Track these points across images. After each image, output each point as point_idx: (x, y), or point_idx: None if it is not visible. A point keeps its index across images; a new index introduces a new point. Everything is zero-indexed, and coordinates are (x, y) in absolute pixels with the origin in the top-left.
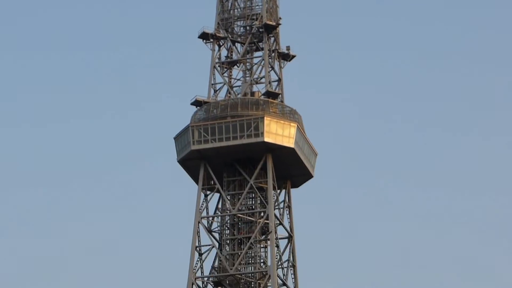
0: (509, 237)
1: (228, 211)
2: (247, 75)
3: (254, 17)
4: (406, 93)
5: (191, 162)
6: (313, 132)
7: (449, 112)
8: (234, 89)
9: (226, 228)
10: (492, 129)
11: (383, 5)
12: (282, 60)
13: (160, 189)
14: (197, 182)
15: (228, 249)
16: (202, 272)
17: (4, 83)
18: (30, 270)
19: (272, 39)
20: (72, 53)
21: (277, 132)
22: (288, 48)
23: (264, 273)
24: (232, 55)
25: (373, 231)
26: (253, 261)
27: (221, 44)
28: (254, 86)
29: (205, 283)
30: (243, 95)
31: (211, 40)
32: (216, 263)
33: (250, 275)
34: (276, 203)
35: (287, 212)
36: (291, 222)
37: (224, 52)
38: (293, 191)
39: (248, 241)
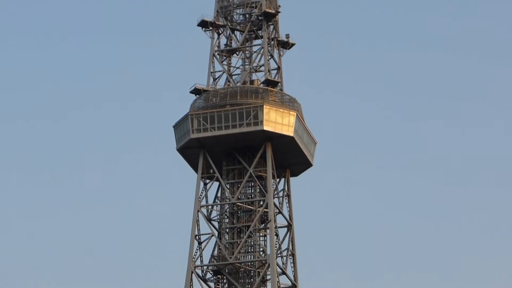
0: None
1: (228, 200)
2: (246, 63)
3: (254, 5)
4: (406, 82)
5: (190, 151)
6: (313, 120)
7: (449, 103)
8: (234, 77)
9: (226, 217)
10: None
11: None
12: (281, 48)
13: (159, 177)
14: (196, 170)
15: (227, 238)
16: (201, 261)
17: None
18: (32, 263)
19: (272, 27)
20: (70, 42)
21: (277, 121)
22: (287, 36)
23: (263, 261)
24: (231, 43)
25: (372, 220)
26: (252, 250)
27: (220, 32)
28: (253, 74)
29: (204, 271)
30: (243, 83)
31: (210, 28)
32: (216, 252)
33: (249, 263)
34: (276, 192)
35: (287, 201)
36: (290, 211)
37: (223, 40)
38: (292, 179)
39: (247, 230)
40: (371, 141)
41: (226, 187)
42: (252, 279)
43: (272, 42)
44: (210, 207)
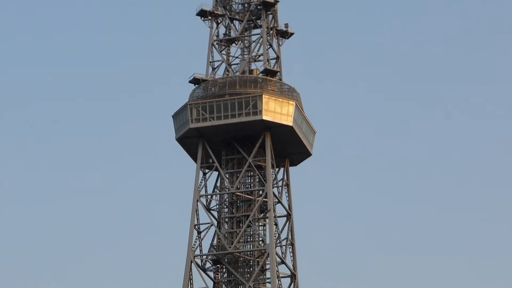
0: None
1: (227, 190)
2: (245, 52)
3: None
4: (407, 70)
5: (189, 140)
6: (312, 110)
7: (452, 95)
8: (233, 67)
9: (225, 207)
10: None
11: None
12: (280, 38)
13: (159, 167)
14: (195, 160)
15: (226, 227)
16: (201, 250)
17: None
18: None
19: (270, 16)
20: (69, 33)
21: (276, 110)
22: (286, 25)
23: (262, 251)
24: (230, 32)
25: (371, 209)
26: (251, 239)
27: (219, 21)
28: (252, 63)
29: (203, 261)
30: (242, 73)
31: (209, 17)
32: (215, 241)
33: (248, 253)
34: (275, 181)
35: (286, 190)
36: (289, 200)
37: (222, 30)
38: (291, 169)
39: (246, 220)
40: (371, 130)
41: (225, 176)
42: (251, 269)
43: (271, 32)
44: (209, 196)
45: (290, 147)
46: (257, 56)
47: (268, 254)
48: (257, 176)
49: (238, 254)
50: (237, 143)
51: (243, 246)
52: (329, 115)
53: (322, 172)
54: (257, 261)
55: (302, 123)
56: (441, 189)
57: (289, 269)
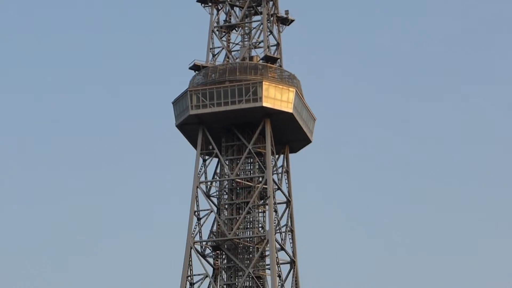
0: None
1: (227, 176)
2: (246, 39)
3: None
4: (407, 60)
5: (189, 127)
6: (312, 97)
7: (452, 84)
8: (233, 53)
9: (225, 193)
10: None
11: None
12: (280, 25)
13: (159, 153)
14: (195, 147)
15: (226, 214)
16: (200, 237)
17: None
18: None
19: (271, 3)
20: (69, 15)
21: (276, 97)
22: (286, 12)
23: (262, 237)
24: (230, 19)
25: (371, 196)
26: (251, 226)
27: (219, 8)
28: (252, 50)
29: (203, 247)
30: (242, 60)
31: (210, 4)
32: (215, 228)
33: (248, 239)
34: (275, 168)
35: (286, 177)
36: (289, 187)
37: (222, 16)
38: (291, 156)
39: (246, 206)
40: (371, 118)
41: (225, 163)
42: (251, 255)
43: (272, 18)
44: (209, 183)
45: (290, 134)
46: (257, 43)
47: (268, 240)
48: (257, 163)
49: (237, 240)
50: (237, 130)
51: (242, 232)
52: (329, 102)
53: (322, 159)
54: (257, 247)
55: (302, 110)
56: (445, 166)
57: (288, 255)
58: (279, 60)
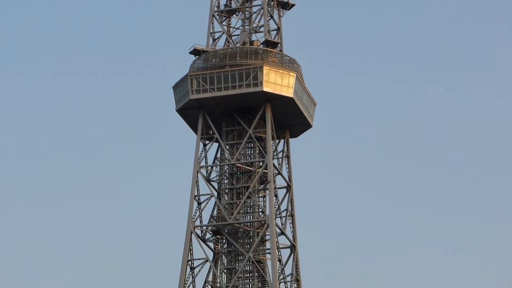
0: None
1: (227, 161)
2: (246, 24)
3: None
4: (407, 46)
5: (189, 112)
6: (313, 81)
7: (450, 70)
8: (233, 38)
9: (225, 178)
10: None
11: None
12: (281, 9)
13: (159, 138)
14: (195, 131)
15: (226, 199)
16: (201, 221)
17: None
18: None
19: None
20: (66, 4)
21: (276, 82)
22: None
23: (262, 222)
24: (231, 3)
25: (371, 181)
26: (251, 211)
27: None
28: (253, 35)
29: (203, 232)
30: (242, 44)
31: None
32: (215, 212)
33: (248, 224)
34: (275, 153)
35: (286, 162)
36: (289, 172)
37: (223, 1)
38: (292, 141)
39: (246, 191)
40: (371, 103)
41: (226, 148)
42: (251, 239)
43: (272, 3)
44: (209, 168)
45: (290, 118)
46: (257, 27)
47: (268, 225)
48: (257, 148)
49: (238, 225)
50: (238, 115)
51: (243, 217)
52: (329, 87)
53: (323, 143)
54: (257, 232)
55: (302, 95)
56: (445, 157)
57: (288, 240)
58: (279, 44)
